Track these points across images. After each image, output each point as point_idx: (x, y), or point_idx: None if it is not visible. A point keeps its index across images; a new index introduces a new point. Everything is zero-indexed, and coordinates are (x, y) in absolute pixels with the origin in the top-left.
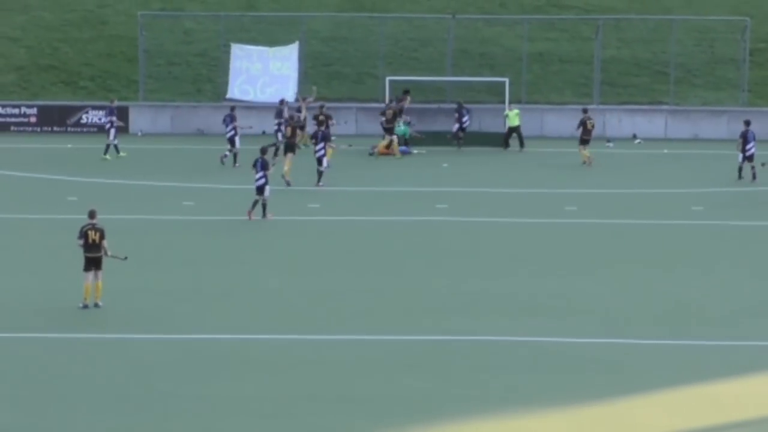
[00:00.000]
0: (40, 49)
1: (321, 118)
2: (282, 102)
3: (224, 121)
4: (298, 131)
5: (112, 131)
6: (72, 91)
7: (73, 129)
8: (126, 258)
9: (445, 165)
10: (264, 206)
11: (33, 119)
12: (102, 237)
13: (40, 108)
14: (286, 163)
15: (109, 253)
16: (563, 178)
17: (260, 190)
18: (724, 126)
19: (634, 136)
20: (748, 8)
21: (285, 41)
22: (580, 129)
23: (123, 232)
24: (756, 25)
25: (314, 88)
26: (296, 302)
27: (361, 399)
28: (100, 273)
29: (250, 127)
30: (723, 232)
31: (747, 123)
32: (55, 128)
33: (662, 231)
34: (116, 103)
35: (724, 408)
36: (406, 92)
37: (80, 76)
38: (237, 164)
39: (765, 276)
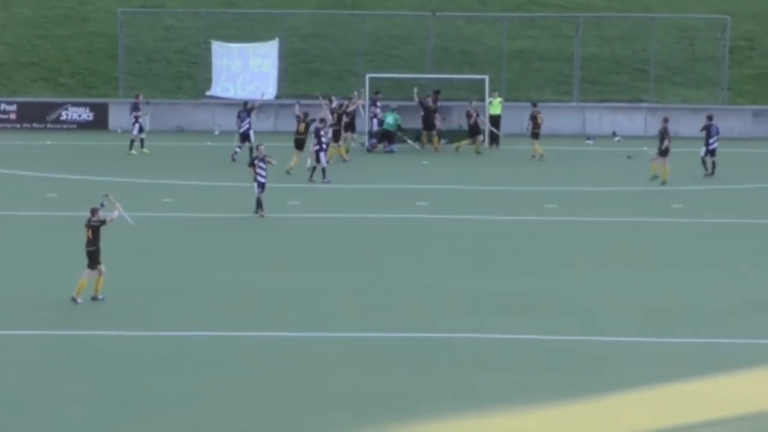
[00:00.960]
0: (20, 45)
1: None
2: (331, 100)
3: (239, 116)
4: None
5: (137, 126)
6: (52, 87)
7: (52, 126)
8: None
9: (425, 162)
10: (259, 201)
11: (13, 116)
12: (95, 233)
13: (20, 105)
14: (293, 159)
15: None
16: (543, 175)
17: (263, 186)
18: (704, 124)
19: (614, 134)
20: (728, 6)
21: (265, 38)
22: (531, 123)
23: (103, 230)
24: (736, 23)
25: (361, 90)
26: (277, 300)
27: (342, 396)
28: (100, 267)
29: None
30: (703, 229)
31: (710, 117)
32: (35, 125)
33: (643, 229)
34: (141, 99)
35: (706, 405)
36: (437, 92)
37: (60, 72)
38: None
39: (746, 274)
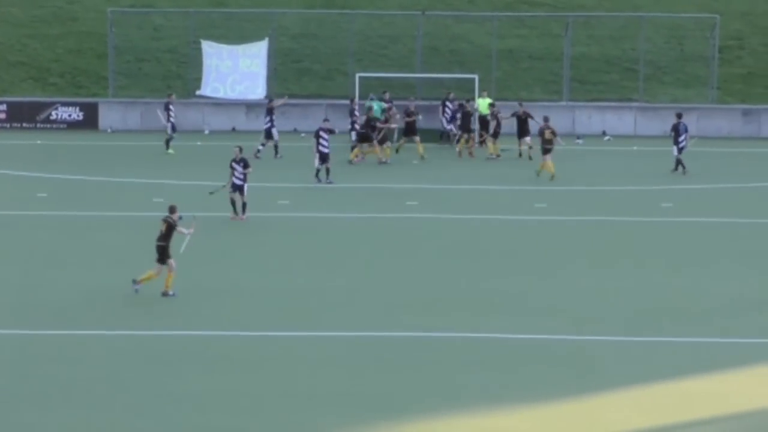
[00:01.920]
0: (9, 45)
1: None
2: (352, 101)
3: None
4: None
5: (170, 125)
6: (41, 87)
7: (42, 125)
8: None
9: (415, 162)
10: (244, 205)
11: (2, 116)
12: (168, 228)
13: (10, 104)
14: (370, 150)
15: (186, 230)
16: (532, 175)
17: (239, 188)
18: (694, 123)
19: (604, 133)
20: (718, 5)
21: (255, 38)
22: (494, 122)
23: (93, 229)
24: (725, 23)
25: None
26: (267, 299)
27: (330, 396)
28: (171, 262)
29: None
30: (693, 229)
31: (679, 115)
32: (24, 124)
33: (632, 228)
34: (173, 98)
35: (696, 404)
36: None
37: (50, 72)
38: (279, 155)
39: (735, 273)
